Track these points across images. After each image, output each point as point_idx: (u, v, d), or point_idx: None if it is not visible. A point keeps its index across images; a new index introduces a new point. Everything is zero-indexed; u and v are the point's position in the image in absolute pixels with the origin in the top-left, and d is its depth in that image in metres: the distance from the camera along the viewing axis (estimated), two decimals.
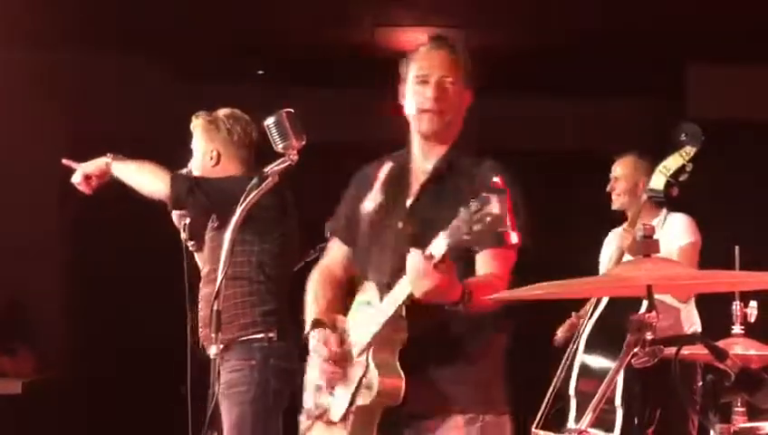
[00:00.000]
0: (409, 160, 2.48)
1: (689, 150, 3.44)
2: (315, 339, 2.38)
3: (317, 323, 2.39)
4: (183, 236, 3.12)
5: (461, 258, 2.19)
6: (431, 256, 2.05)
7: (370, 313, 2.33)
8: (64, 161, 3.04)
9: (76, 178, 3.01)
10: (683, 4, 4.30)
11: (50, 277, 4.97)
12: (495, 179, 2.12)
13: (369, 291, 2.40)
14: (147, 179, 3.01)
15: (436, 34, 2.51)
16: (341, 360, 2.34)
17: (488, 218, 1.93)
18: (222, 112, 3.16)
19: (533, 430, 3.42)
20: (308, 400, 2.52)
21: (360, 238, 2.52)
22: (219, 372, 2.34)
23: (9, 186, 4.42)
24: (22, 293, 4.76)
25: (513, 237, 2.16)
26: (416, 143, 2.43)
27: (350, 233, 2.53)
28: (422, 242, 2.20)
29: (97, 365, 4.78)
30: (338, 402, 2.38)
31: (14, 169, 4.07)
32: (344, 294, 2.51)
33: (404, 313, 2.21)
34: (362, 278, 2.50)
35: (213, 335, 2.28)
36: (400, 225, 2.39)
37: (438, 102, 2.30)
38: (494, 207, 1.97)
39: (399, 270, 2.21)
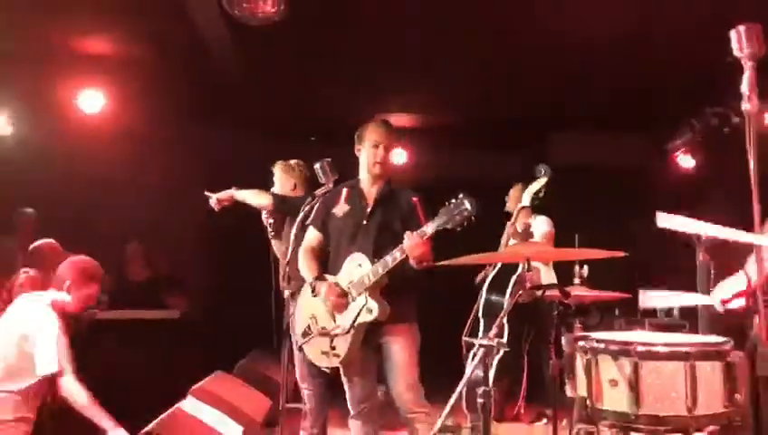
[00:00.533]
0: (361, 187, 3.37)
1: (542, 180, 4.73)
2: (322, 286, 3.24)
3: (319, 277, 3.30)
4: (269, 230, 4.21)
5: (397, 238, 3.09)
6: (424, 234, 2.98)
7: (364, 270, 3.16)
8: (206, 193, 4.25)
9: (213, 201, 4.19)
10: (543, 96, 6.18)
11: (199, 250, 6.86)
12: (414, 199, 3.25)
13: (357, 259, 3.22)
14: (256, 197, 4.12)
15: (381, 118, 3.45)
16: (343, 297, 3.20)
17: (465, 213, 2.95)
18: (293, 161, 4.37)
19: (463, 338, 4.56)
20: (302, 324, 3.38)
21: (332, 231, 3.36)
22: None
23: (172, 204, 6.21)
24: (180, 263, 6.54)
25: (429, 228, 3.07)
26: (366, 178, 3.36)
27: (323, 226, 3.40)
28: (379, 232, 3.22)
29: (220, 306, 6.50)
30: (342, 322, 3.20)
31: (183, 189, 5.49)
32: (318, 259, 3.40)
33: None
34: (336, 253, 3.34)
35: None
36: (365, 222, 3.29)
37: (384, 159, 3.31)
38: (468, 205, 2.96)
39: (377, 246, 3.17)
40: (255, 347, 5.74)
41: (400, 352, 3.21)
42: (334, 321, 3.23)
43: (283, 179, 4.36)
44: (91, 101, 5.80)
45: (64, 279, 3.41)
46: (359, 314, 3.15)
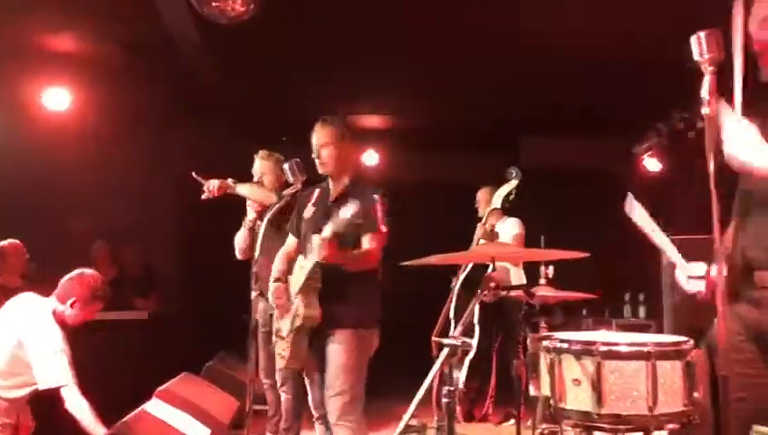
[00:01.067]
0: (329, 187, 3.37)
1: (513, 183, 4.68)
2: (272, 289, 3.26)
3: (276, 280, 3.31)
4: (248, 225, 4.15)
5: (355, 239, 3.09)
6: (326, 237, 2.94)
7: (302, 271, 3.18)
8: (195, 176, 4.04)
9: (207, 188, 3.98)
10: (513, 99, 6.27)
11: (169, 250, 6.73)
12: (376, 197, 3.16)
13: (300, 261, 3.22)
14: (260, 193, 4.08)
15: (324, 117, 3.35)
16: (287, 300, 3.20)
17: (359, 217, 2.89)
18: (276, 155, 4.29)
19: (432, 338, 4.36)
20: (275, 326, 3.32)
21: (302, 232, 3.36)
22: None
23: (141, 203, 6.12)
24: (149, 262, 6.45)
25: (383, 227, 3.12)
26: (329, 178, 3.37)
27: (297, 230, 3.40)
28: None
29: (191, 306, 6.37)
30: (285, 325, 3.21)
31: (152, 188, 5.67)
32: (292, 263, 3.33)
33: (319, 271, 3.07)
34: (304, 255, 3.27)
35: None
36: (323, 223, 3.15)
37: (322, 158, 3.27)
38: (357, 210, 2.86)
39: None
40: (225, 348, 5.71)
41: (335, 357, 3.12)
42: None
43: (267, 168, 4.30)
44: (57, 98, 5.71)
45: (71, 294, 3.35)
46: (293, 318, 3.16)
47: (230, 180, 4.09)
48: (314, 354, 3.20)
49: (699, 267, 2.32)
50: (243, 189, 4.12)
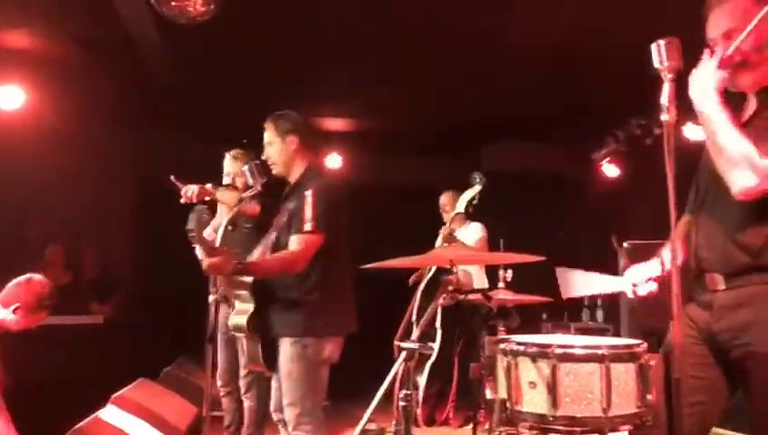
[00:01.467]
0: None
1: (477, 187, 4.70)
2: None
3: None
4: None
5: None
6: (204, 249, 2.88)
7: None
8: (172, 178, 3.87)
9: (187, 193, 3.79)
10: (476, 105, 6.31)
11: (126, 252, 6.57)
12: (308, 193, 3.00)
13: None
14: (232, 196, 3.88)
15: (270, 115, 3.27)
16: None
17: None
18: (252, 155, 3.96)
19: (395, 342, 4.31)
20: None
21: None
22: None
23: (98, 206, 5.93)
24: (107, 266, 6.30)
25: (308, 226, 2.95)
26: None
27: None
28: (279, 230, 3.11)
29: (149, 310, 6.17)
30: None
31: (110, 189, 5.47)
32: None
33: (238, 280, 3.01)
34: None
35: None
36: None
37: (268, 156, 3.24)
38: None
39: (277, 246, 3.10)
40: (184, 353, 5.62)
41: (282, 367, 3.05)
42: None
43: (240, 169, 4.06)
44: (10, 97, 5.53)
45: (15, 299, 3.24)
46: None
47: (209, 186, 3.98)
48: (273, 359, 3.10)
49: (653, 265, 2.33)
50: (221, 195, 3.99)
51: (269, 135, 3.28)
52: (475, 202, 4.83)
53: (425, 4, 4.52)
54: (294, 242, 3.01)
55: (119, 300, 5.99)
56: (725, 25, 2.11)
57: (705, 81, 2.04)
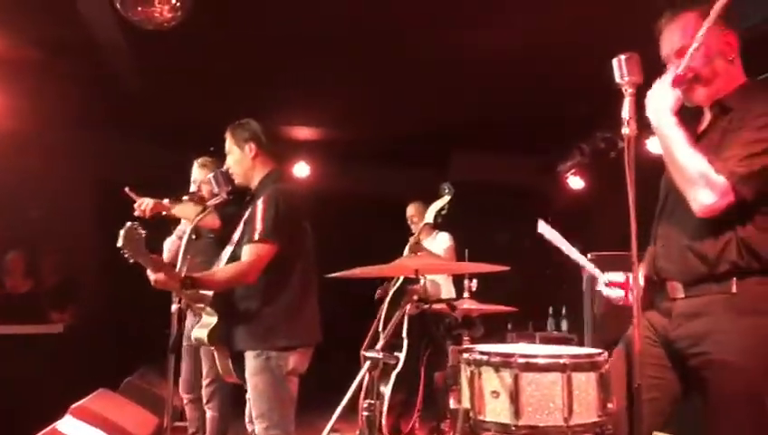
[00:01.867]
0: None
1: (446, 198, 4.73)
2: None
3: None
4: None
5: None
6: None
7: None
8: (127, 190, 3.79)
9: (142, 207, 3.74)
10: (444, 117, 6.40)
11: (88, 260, 6.40)
12: (260, 202, 2.98)
13: None
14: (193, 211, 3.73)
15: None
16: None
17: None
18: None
19: (362, 352, 3.82)
20: None
21: None
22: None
23: (61, 212, 5.81)
24: (68, 273, 6.16)
25: (257, 236, 2.90)
26: None
27: None
28: (238, 242, 3.06)
29: (111, 319, 6.10)
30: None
31: (71, 195, 5.33)
32: None
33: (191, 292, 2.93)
34: None
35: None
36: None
37: (229, 166, 3.24)
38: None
39: (233, 257, 3.06)
40: (147, 363, 5.53)
41: (247, 380, 3.02)
42: None
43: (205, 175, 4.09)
44: None
45: None
46: None
47: (166, 201, 3.88)
48: (243, 371, 3.06)
49: (619, 275, 2.39)
50: (179, 210, 3.90)
51: (228, 144, 3.26)
52: (443, 212, 4.85)
53: (394, 17, 4.55)
54: (246, 252, 2.96)
55: (80, 308, 5.86)
56: (677, 43, 2.19)
57: (661, 100, 2.09)
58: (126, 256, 2.72)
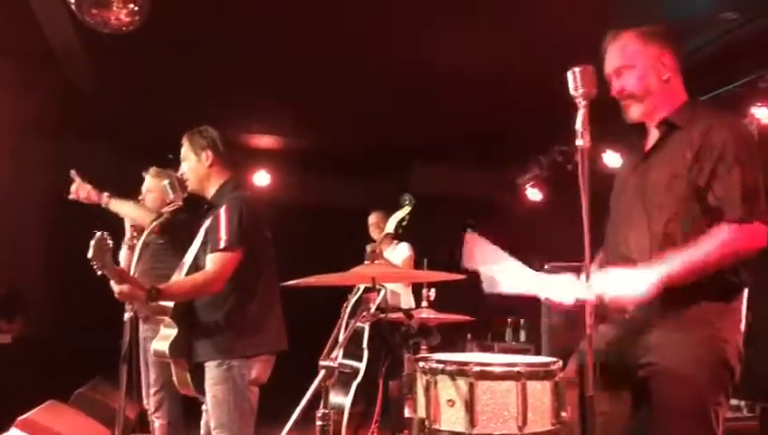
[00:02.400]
0: None
1: (407, 209, 4.63)
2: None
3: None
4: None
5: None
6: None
7: None
8: (73, 173, 3.86)
9: (73, 188, 3.82)
10: (405, 128, 6.47)
11: (38, 269, 6.21)
12: (222, 209, 2.95)
13: None
14: (138, 212, 3.95)
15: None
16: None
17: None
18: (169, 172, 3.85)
19: (320, 362, 4.86)
20: None
21: None
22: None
23: (11, 217, 5.59)
24: (18, 281, 5.93)
25: (222, 244, 2.86)
26: None
27: None
28: (198, 254, 3.02)
29: (63, 328, 5.85)
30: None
31: (20, 203, 5.20)
32: None
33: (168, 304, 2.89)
34: None
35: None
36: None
37: (184, 173, 3.19)
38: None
39: (196, 269, 3.00)
40: (100, 374, 5.37)
41: (208, 391, 2.97)
42: None
43: (154, 185, 4.12)
44: None
45: None
46: None
47: (106, 194, 3.90)
48: (201, 383, 3.01)
49: (567, 278, 2.37)
50: (117, 206, 3.91)
51: (184, 150, 3.21)
52: (404, 223, 4.72)
53: (356, 30, 4.57)
54: (210, 261, 2.92)
55: (29, 318, 5.68)
56: (616, 63, 2.30)
57: (641, 287, 2.06)
58: (95, 267, 2.65)
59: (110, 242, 2.69)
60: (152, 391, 3.91)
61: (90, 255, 2.63)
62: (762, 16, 4.09)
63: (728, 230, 2.07)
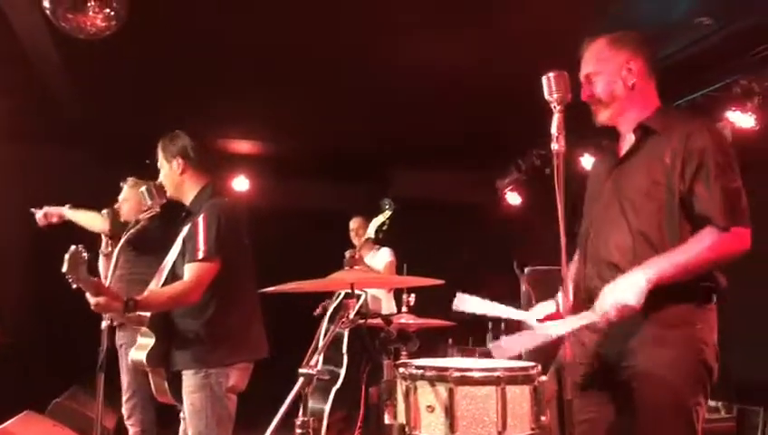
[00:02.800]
0: None
1: (387, 213, 4.72)
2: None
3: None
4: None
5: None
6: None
7: None
8: (32, 210, 4.03)
9: (39, 216, 4.00)
10: (385, 133, 6.46)
11: (14, 278, 6.11)
12: (200, 217, 2.92)
13: None
14: (91, 220, 4.01)
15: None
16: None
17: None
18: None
19: (299, 370, 4.84)
20: None
21: None
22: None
23: None
24: None
25: (200, 254, 2.84)
26: None
27: None
28: (176, 263, 2.99)
29: (40, 337, 5.86)
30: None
31: None
32: None
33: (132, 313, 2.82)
34: None
35: None
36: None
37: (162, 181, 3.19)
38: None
39: (173, 277, 2.99)
40: (78, 383, 5.29)
41: (185, 399, 2.94)
42: None
43: (131, 194, 4.13)
44: None
45: None
46: None
47: (66, 207, 4.01)
48: (179, 392, 2.98)
49: (549, 306, 2.41)
50: (73, 216, 4.01)
51: (159, 158, 3.19)
52: (384, 228, 4.82)
53: (335, 33, 4.56)
54: (188, 271, 2.89)
55: (4, 327, 5.57)
56: (587, 69, 2.36)
57: (629, 290, 2.06)
58: (70, 280, 2.61)
59: (86, 255, 2.64)
60: (124, 398, 3.88)
61: (64, 269, 2.59)
62: (735, 22, 4.16)
63: (713, 234, 2.10)
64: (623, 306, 2.04)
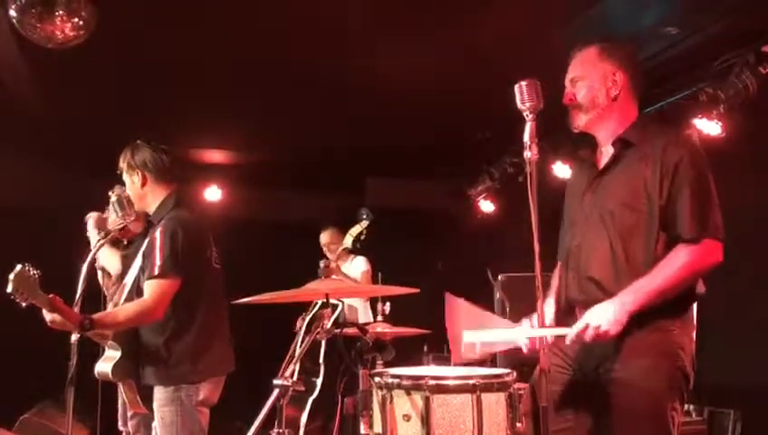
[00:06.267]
0: None
1: (364, 223, 4.92)
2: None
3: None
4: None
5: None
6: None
7: None
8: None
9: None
10: (358, 142, 6.37)
11: None
12: (157, 231, 2.89)
13: None
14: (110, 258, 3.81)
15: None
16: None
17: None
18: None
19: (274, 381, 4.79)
20: None
21: None
22: None
23: None
24: None
25: (157, 271, 2.81)
26: None
27: None
28: (137, 277, 3.06)
29: (9, 350, 5.50)
30: None
31: None
32: None
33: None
34: None
35: None
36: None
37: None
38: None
39: (136, 292, 3.01)
40: (47, 397, 5.18)
41: (155, 413, 2.92)
42: None
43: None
44: None
45: None
46: None
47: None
48: (150, 402, 2.96)
49: (525, 326, 2.41)
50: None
51: (122, 170, 3.16)
52: (362, 238, 4.95)
53: (309, 44, 4.55)
54: (148, 289, 2.86)
55: None
56: (572, 73, 2.41)
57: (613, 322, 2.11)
58: (18, 300, 2.53)
59: (35, 272, 2.57)
60: (129, 414, 3.80)
61: (9, 289, 2.51)
62: (699, 32, 4.24)
63: (685, 253, 2.15)
64: (603, 333, 2.09)
